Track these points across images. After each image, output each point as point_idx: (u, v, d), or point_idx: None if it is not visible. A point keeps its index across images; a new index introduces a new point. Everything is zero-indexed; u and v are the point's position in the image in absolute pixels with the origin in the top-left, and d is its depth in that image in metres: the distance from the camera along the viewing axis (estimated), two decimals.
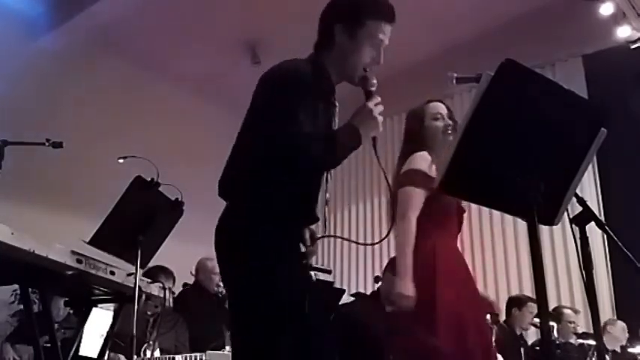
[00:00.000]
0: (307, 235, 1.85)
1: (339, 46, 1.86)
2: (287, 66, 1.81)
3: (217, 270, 4.44)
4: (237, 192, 1.77)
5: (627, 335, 4.68)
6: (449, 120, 2.44)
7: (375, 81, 1.83)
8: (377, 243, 2.22)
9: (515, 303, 4.81)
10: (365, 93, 1.81)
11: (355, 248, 7.04)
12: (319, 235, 1.91)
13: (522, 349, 4.64)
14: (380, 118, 1.76)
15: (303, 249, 1.82)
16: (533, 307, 4.76)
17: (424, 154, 2.36)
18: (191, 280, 4.66)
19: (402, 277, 2.16)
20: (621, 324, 4.72)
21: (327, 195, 1.90)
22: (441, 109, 2.48)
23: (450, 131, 2.40)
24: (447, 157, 1.43)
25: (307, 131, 1.67)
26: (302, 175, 1.77)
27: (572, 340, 4.43)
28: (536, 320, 4.61)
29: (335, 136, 1.75)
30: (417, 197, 2.28)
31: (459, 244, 2.48)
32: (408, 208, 2.26)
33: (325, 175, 1.88)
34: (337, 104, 1.92)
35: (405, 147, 2.49)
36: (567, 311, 4.72)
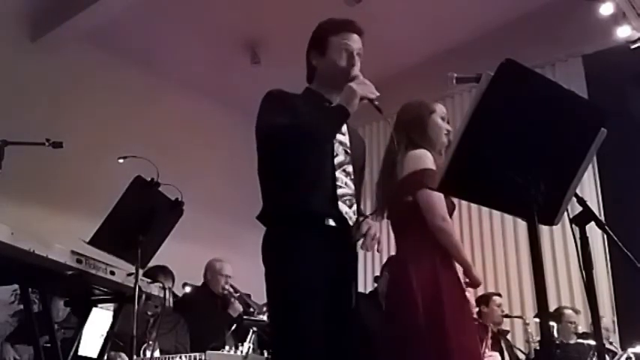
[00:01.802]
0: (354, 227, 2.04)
1: (318, 68, 2.13)
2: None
3: (224, 271, 4.51)
4: (262, 208, 2.01)
5: (610, 333, 4.69)
6: (448, 125, 2.52)
7: (357, 73, 2.03)
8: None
9: (482, 301, 4.86)
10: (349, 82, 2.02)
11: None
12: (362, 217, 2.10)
13: (502, 342, 4.68)
14: (360, 87, 1.95)
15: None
16: (499, 300, 4.82)
17: (424, 152, 2.34)
18: (191, 280, 4.66)
19: (470, 271, 2.29)
20: (605, 321, 4.73)
21: (342, 191, 2.02)
22: (445, 111, 2.56)
23: (447, 135, 2.48)
24: (447, 157, 1.43)
25: (280, 122, 1.89)
26: (282, 159, 1.95)
27: (572, 340, 4.44)
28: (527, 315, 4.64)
29: (316, 116, 1.96)
30: (439, 199, 2.28)
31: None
32: (439, 209, 2.27)
33: (338, 171, 2.03)
34: None
35: (407, 136, 2.46)
36: (568, 312, 4.73)
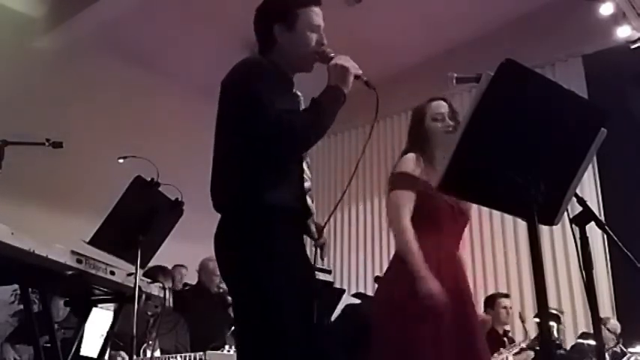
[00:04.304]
0: (313, 228, 1.91)
1: (282, 43, 1.93)
2: (245, 61, 1.90)
3: (218, 272, 4.50)
4: (230, 198, 1.82)
5: (616, 335, 4.68)
6: (449, 120, 2.43)
7: (329, 49, 1.92)
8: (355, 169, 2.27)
9: (489, 303, 4.84)
10: (328, 62, 1.89)
11: (355, 248, 7.04)
12: (322, 224, 1.95)
13: (507, 343, 4.67)
14: (349, 63, 1.84)
15: (312, 243, 1.90)
16: (505, 302, 4.81)
17: (410, 156, 2.39)
18: (191, 280, 4.67)
19: (420, 277, 2.15)
20: (612, 323, 4.72)
21: (308, 184, 1.92)
22: (443, 108, 2.47)
23: (450, 131, 2.39)
24: (447, 156, 1.43)
25: (282, 108, 1.74)
26: (289, 154, 1.82)
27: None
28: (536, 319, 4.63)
29: (315, 101, 1.81)
30: (403, 199, 2.31)
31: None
32: (398, 210, 2.30)
33: (303, 164, 1.92)
34: (300, 94, 1.98)
35: (406, 145, 2.52)
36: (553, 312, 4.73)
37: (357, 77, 1.86)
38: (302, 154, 1.88)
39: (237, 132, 1.82)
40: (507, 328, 4.95)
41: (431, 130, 2.43)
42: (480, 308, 4.80)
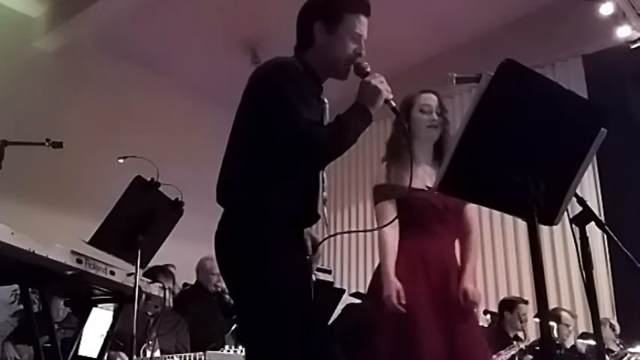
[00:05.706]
0: (309, 243, 1.88)
1: (320, 43, 1.87)
2: (279, 61, 1.85)
3: (216, 270, 4.51)
4: (237, 195, 1.78)
5: (615, 335, 4.67)
6: (435, 115, 2.45)
7: (366, 63, 1.86)
8: (380, 228, 2.33)
9: (507, 307, 4.79)
10: (362, 76, 1.84)
11: (355, 248, 7.03)
12: (321, 239, 1.93)
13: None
14: (382, 86, 1.78)
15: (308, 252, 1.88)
16: (524, 309, 4.76)
17: (381, 168, 2.49)
18: (191, 280, 4.66)
19: (386, 280, 2.33)
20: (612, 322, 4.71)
21: (325, 194, 1.92)
22: (431, 100, 2.49)
23: (434, 126, 2.43)
24: (446, 157, 1.43)
25: (310, 119, 1.71)
26: (310, 167, 1.80)
27: (568, 343, 4.43)
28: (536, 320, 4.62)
29: (340, 118, 1.76)
30: (382, 210, 2.43)
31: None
32: (379, 221, 2.45)
33: (321, 173, 1.90)
34: (326, 101, 1.94)
35: (391, 134, 2.56)
36: (565, 314, 4.71)
37: (386, 101, 1.80)
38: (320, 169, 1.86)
39: (258, 132, 1.77)
40: (520, 334, 4.90)
41: (415, 121, 2.45)
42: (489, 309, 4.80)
